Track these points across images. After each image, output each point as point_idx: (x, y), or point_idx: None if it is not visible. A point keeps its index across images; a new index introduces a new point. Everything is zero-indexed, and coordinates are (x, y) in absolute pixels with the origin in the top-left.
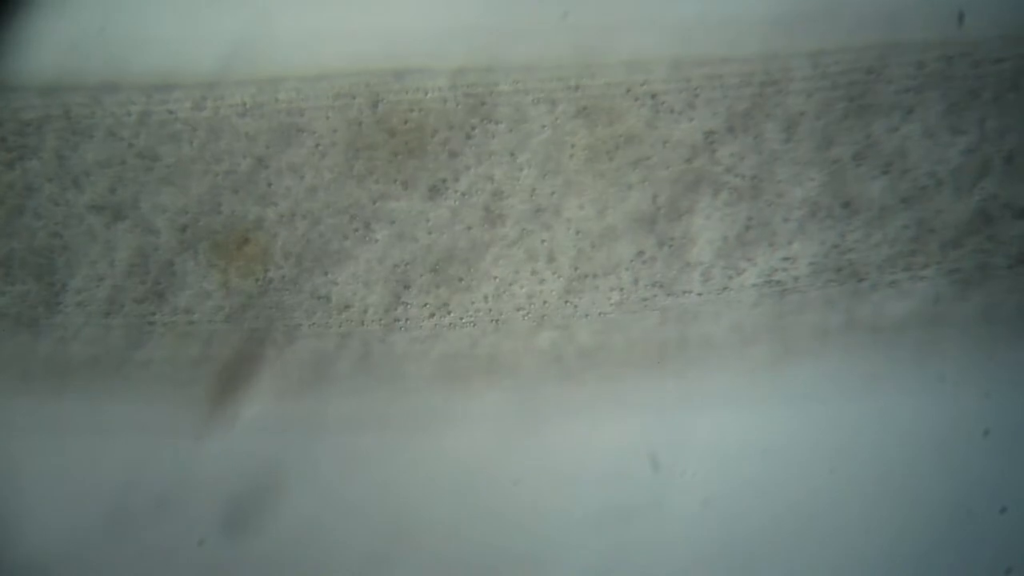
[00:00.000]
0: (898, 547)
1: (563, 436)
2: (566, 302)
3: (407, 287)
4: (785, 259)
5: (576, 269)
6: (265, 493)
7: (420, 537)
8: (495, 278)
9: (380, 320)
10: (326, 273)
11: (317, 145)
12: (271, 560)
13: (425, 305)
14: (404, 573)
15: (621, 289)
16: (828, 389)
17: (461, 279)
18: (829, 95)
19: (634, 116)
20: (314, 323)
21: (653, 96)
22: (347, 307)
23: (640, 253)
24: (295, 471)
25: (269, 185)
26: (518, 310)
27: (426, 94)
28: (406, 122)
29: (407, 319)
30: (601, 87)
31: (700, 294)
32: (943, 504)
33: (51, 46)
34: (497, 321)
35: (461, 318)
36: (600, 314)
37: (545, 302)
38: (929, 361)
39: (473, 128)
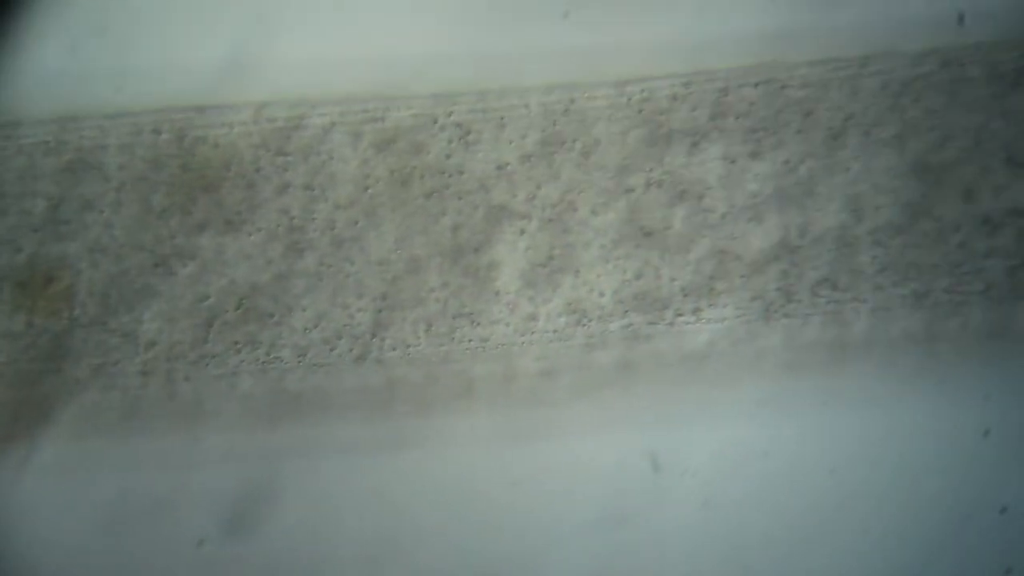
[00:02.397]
0: (898, 547)
1: (561, 438)
2: (374, 336)
3: (212, 324)
4: (590, 289)
5: (384, 300)
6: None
7: (418, 538)
8: (304, 309)
9: (186, 357)
10: (131, 310)
11: (113, 183)
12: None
13: (235, 342)
14: (403, 573)
15: (428, 322)
16: (636, 418)
17: (271, 315)
18: (631, 122)
19: (438, 147)
20: (119, 361)
21: (458, 126)
22: (153, 344)
23: (445, 284)
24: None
25: (69, 223)
26: (325, 343)
27: (230, 128)
28: (203, 158)
29: (214, 356)
30: (408, 118)
31: (508, 324)
32: (943, 504)
33: None
34: (304, 356)
35: (268, 354)
36: (408, 347)
37: (355, 336)
38: (926, 370)
39: (267, 162)
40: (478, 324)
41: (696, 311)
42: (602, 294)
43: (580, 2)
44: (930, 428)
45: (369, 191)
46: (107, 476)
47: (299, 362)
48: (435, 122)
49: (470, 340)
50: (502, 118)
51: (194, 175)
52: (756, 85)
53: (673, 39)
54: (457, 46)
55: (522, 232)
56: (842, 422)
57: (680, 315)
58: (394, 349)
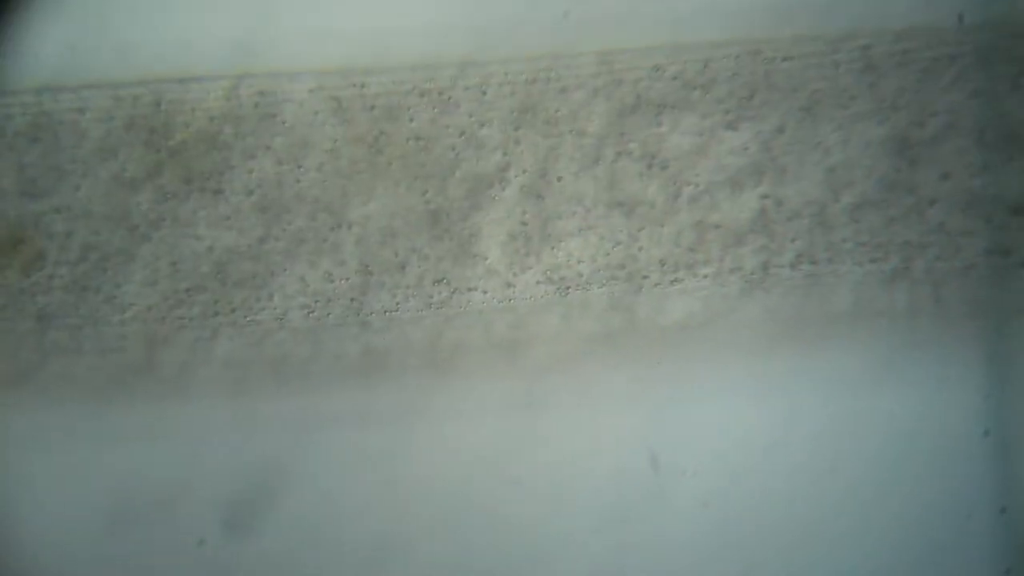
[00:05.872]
0: (898, 547)
1: (564, 435)
2: (352, 300)
3: (189, 288)
4: (569, 257)
5: (366, 267)
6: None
7: (420, 536)
8: (285, 271)
9: (164, 319)
10: (105, 271)
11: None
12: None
13: (214, 308)
14: (404, 573)
15: (407, 287)
16: (590, 396)
17: (254, 277)
18: (610, 93)
19: (420, 114)
20: (99, 322)
21: (440, 93)
22: (131, 305)
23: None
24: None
25: (41, 188)
26: (303, 308)
27: (207, 95)
28: (185, 126)
29: (191, 318)
30: (387, 84)
31: (485, 291)
32: (943, 504)
33: None
34: (282, 319)
35: (246, 316)
36: (386, 312)
37: (330, 300)
38: (928, 361)
39: (231, 131)
40: (457, 291)
41: (675, 281)
42: (580, 261)
43: None
44: (930, 428)
45: (348, 158)
46: (107, 475)
47: (275, 324)
48: (414, 90)
49: (449, 306)
50: (482, 86)
51: (177, 143)
52: (738, 57)
53: (655, 11)
54: (439, 17)
55: (504, 200)
56: (843, 422)
57: (659, 286)
58: (371, 313)
